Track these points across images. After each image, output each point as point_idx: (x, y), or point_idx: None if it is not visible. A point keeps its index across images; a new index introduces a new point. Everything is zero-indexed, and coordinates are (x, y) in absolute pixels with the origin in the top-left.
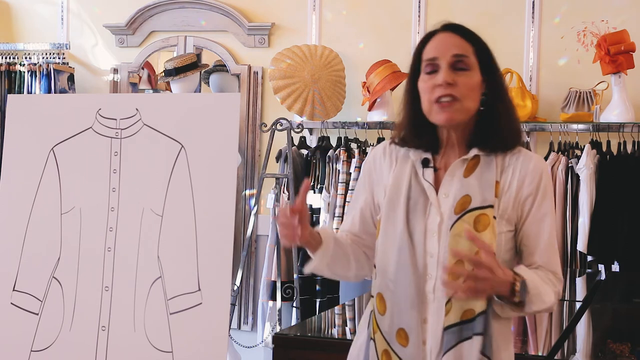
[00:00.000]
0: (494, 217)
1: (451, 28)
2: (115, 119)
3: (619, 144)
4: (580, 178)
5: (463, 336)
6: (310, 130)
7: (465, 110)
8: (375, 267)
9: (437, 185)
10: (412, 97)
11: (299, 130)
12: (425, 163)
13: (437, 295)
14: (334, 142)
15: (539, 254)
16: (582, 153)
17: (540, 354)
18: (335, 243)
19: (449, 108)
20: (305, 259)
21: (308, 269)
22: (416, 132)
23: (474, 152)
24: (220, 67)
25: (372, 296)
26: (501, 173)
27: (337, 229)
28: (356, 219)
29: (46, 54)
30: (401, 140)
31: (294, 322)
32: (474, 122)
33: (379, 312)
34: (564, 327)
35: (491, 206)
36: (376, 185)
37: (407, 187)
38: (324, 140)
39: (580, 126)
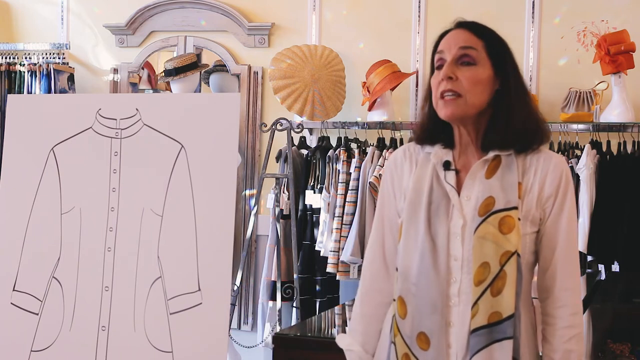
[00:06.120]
0: (519, 219)
1: (462, 25)
2: (115, 119)
3: (619, 144)
4: (580, 178)
5: (494, 338)
6: (310, 130)
7: (469, 105)
8: (397, 270)
9: (458, 188)
10: (429, 94)
11: (299, 130)
12: (446, 165)
13: (462, 298)
14: (334, 142)
15: (557, 256)
16: (582, 153)
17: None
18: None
19: (451, 103)
20: (305, 259)
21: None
22: (432, 129)
23: (494, 152)
24: (220, 67)
25: (394, 299)
26: (523, 174)
27: (337, 228)
28: (392, 248)
29: (46, 54)
30: (417, 138)
31: (294, 322)
32: (488, 120)
33: (399, 315)
34: None
35: (515, 208)
36: (397, 190)
37: (429, 190)
38: (324, 140)
39: (580, 126)
